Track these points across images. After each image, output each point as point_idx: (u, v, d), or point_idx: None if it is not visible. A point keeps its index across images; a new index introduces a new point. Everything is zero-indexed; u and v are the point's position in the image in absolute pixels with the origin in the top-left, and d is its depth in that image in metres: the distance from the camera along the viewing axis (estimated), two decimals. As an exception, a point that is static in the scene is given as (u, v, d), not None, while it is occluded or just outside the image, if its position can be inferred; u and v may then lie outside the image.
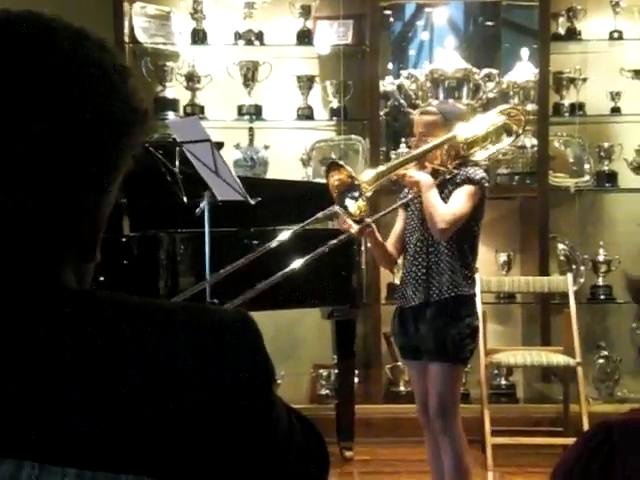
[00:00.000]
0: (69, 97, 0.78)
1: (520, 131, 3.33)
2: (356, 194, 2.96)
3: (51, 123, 0.77)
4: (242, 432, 0.78)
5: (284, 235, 3.19)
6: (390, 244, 3.30)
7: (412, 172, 3.15)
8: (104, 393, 0.75)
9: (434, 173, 3.17)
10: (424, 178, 3.13)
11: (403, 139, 5.01)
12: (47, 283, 0.79)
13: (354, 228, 3.08)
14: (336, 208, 3.05)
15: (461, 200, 3.11)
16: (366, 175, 3.05)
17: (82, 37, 0.81)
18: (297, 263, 3.04)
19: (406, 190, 3.31)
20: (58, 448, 0.73)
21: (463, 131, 3.19)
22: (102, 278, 3.15)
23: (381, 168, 3.16)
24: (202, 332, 0.80)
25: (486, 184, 3.18)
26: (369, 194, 2.98)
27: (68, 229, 0.81)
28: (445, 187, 3.16)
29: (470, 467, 3.23)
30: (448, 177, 3.17)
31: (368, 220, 3.09)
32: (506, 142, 3.38)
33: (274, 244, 3.14)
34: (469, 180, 3.13)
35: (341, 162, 3.14)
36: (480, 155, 3.27)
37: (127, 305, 0.81)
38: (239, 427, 0.78)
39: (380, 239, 3.23)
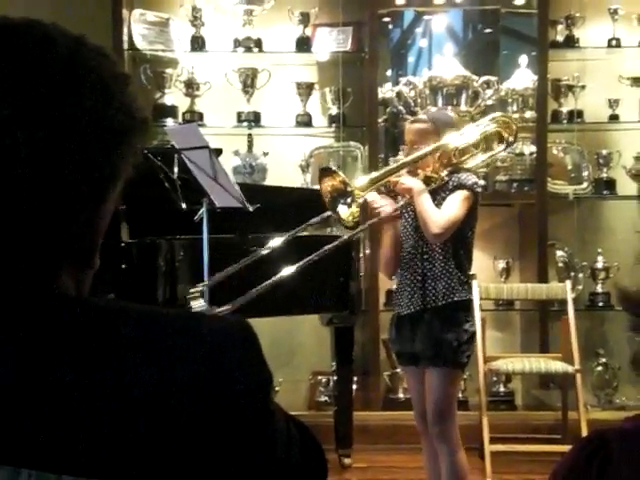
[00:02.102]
0: (68, 104, 0.78)
1: (511, 139, 3.34)
2: (349, 200, 2.97)
3: (49, 129, 0.77)
4: (241, 441, 0.78)
5: (275, 242, 3.16)
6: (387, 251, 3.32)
7: (404, 179, 3.16)
8: (100, 401, 0.75)
9: (426, 180, 3.18)
10: (416, 184, 3.14)
11: (402, 146, 5.01)
12: (44, 290, 0.79)
13: (386, 210, 3.08)
14: (329, 213, 3.06)
15: (454, 205, 3.12)
16: (359, 181, 3.07)
17: (81, 44, 0.82)
18: (288, 271, 3.02)
19: (400, 198, 3.32)
20: (55, 455, 0.73)
21: (454, 139, 3.20)
22: (100, 285, 3.14)
23: (373, 175, 3.18)
24: (200, 341, 0.80)
25: (478, 189, 3.19)
26: (361, 200, 2.99)
27: (67, 236, 0.81)
28: (437, 194, 3.17)
29: (467, 474, 3.23)
30: (440, 184, 3.18)
31: (401, 203, 3.10)
32: (498, 150, 3.38)
33: (266, 250, 3.13)
34: (462, 185, 3.15)
35: (334, 168, 3.15)
36: (472, 162, 3.27)
37: (125, 313, 0.80)
38: (237, 436, 0.78)
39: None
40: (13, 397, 0.74)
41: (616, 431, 0.99)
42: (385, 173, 3.20)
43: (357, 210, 2.97)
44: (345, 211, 2.99)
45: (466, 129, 3.30)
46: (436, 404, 3.14)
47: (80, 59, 0.80)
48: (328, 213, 3.05)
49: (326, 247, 3.10)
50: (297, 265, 3.01)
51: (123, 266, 3.60)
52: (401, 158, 4.87)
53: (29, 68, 0.78)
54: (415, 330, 3.20)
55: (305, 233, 3.32)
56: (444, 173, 3.18)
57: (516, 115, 5.00)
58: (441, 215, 3.10)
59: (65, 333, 0.77)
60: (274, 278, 2.96)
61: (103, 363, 0.76)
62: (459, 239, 3.17)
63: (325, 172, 3.07)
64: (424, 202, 3.11)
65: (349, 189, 2.97)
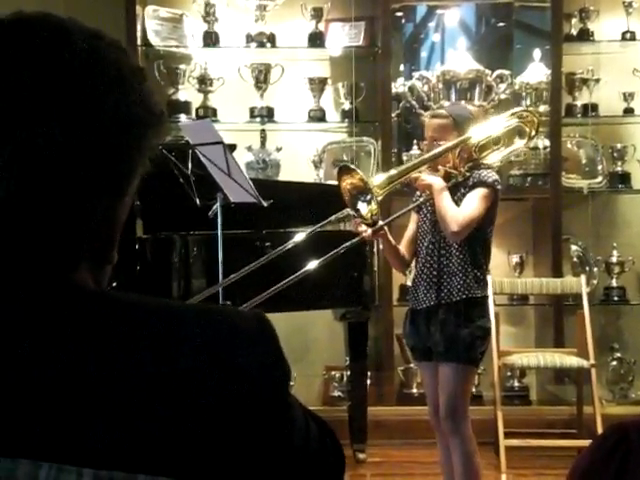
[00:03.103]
0: (86, 98, 0.78)
1: (533, 133, 3.32)
2: (368, 198, 2.96)
3: (68, 124, 0.77)
4: (258, 433, 0.78)
5: (297, 238, 3.19)
6: (403, 246, 3.31)
7: (424, 175, 3.15)
8: (119, 394, 0.75)
9: (446, 176, 3.17)
10: (436, 181, 3.13)
11: (415, 141, 5.01)
12: (62, 284, 0.80)
13: (368, 231, 3.08)
14: (348, 211, 3.05)
15: (474, 202, 3.11)
16: (377, 179, 3.05)
17: (98, 38, 0.82)
18: (311, 266, 3.04)
19: (418, 193, 3.32)
20: (74, 448, 0.74)
21: (476, 134, 3.19)
22: (115, 279, 3.16)
23: (392, 172, 3.16)
24: (218, 333, 0.80)
25: (499, 187, 3.18)
26: (380, 198, 2.98)
27: (85, 230, 0.81)
28: (457, 190, 3.16)
29: (480, 468, 3.22)
30: (460, 180, 3.17)
31: (381, 223, 3.10)
32: (518, 144, 3.37)
33: (288, 247, 3.14)
34: (482, 183, 3.13)
35: (353, 166, 3.14)
36: (492, 158, 3.26)
37: (142, 306, 0.81)
38: (255, 427, 0.78)
39: (393, 242, 3.24)
40: (31, 390, 0.74)
41: (637, 424, 0.98)
42: (405, 170, 3.18)
43: (376, 207, 2.96)
44: (364, 209, 2.98)
45: (487, 124, 3.29)
46: (449, 400, 3.14)
47: (98, 53, 0.80)
48: (348, 210, 3.04)
49: (346, 244, 3.10)
50: (318, 262, 3.01)
51: (138, 261, 3.61)
52: (415, 152, 4.88)
53: (47, 62, 0.78)
54: (430, 325, 3.20)
55: (320, 229, 3.32)
56: (464, 169, 3.17)
57: (531, 109, 4.99)
58: (460, 213, 3.09)
59: (83, 326, 0.77)
60: (295, 275, 2.97)
61: (122, 356, 0.76)
62: (477, 236, 3.16)
63: (344, 170, 3.05)
64: (443, 199, 3.10)
65: (368, 187, 2.96)
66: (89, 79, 0.79)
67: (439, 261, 3.19)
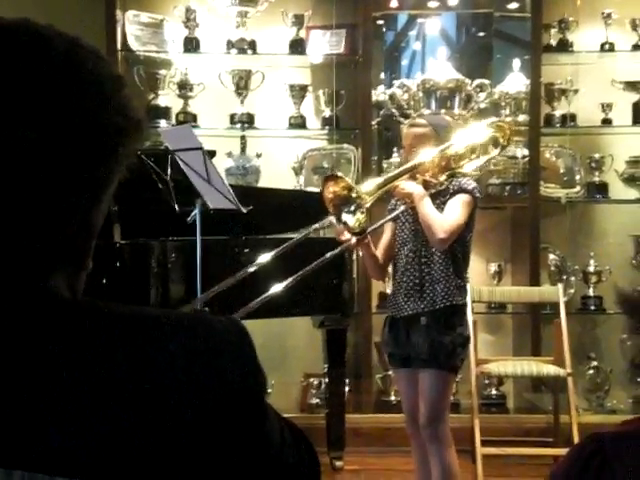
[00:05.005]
0: (64, 105, 0.78)
1: (506, 143, 3.35)
2: (354, 206, 2.94)
3: (45, 130, 0.77)
4: (234, 441, 0.78)
5: (267, 256, 3.13)
6: (379, 253, 3.31)
7: (403, 183, 3.15)
8: (93, 402, 0.74)
9: (425, 185, 3.17)
10: (416, 189, 3.14)
11: (395, 148, 5.03)
12: (36, 291, 0.79)
13: (352, 240, 3.07)
14: (331, 219, 3.03)
15: (457, 209, 3.13)
16: (366, 186, 3.03)
17: (77, 45, 0.81)
18: (287, 281, 3.01)
19: (394, 201, 3.32)
20: (47, 457, 0.73)
21: (455, 143, 3.20)
22: (92, 286, 3.14)
23: (380, 179, 3.14)
24: (194, 341, 0.79)
25: (478, 194, 3.20)
26: (368, 205, 2.96)
27: (60, 237, 0.80)
28: (436, 199, 3.17)
29: (458, 474, 3.23)
30: (439, 189, 3.18)
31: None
32: (493, 154, 3.38)
33: (262, 260, 3.11)
34: (462, 190, 3.16)
35: (340, 174, 3.12)
36: (468, 167, 3.27)
37: (118, 314, 0.80)
38: (231, 436, 0.78)
39: (374, 250, 3.24)
40: (3, 399, 0.73)
41: (613, 434, 0.99)
42: (391, 177, 3.18)
43: (364, 216, 2.93)
44: (352, 217, 2.96)
45: (465, 133, 3.30)
46: (429, 406, 3.15)
47: (76, 60, 0.80)
48: (331, 218, 3.02)
49: (332, 252, 3.09)
50: (291, 279, 2.98)
51: (115, 267, 3.59)
52: (395, 161, 4.90)
53: (24, 68, 0.77)
54: (410, 332, 3.20)
55: (297, 236, 3.31)
56: (442, 178, 3.18)
57: (509, 119, 5.02)
58: (445, 219, 3.10)
59: (57, 334, 0.76)
60: (269, 292, 2.96)
61: (96, 365, 0.76)
62: (459, 243, 3.18)
63: (330, 178, 3.01)
64: (426, 207, 3.11)
65: (354, 195, 2.94)
66: (66, 85, 0.78)
67: (420, 269, 3.19)
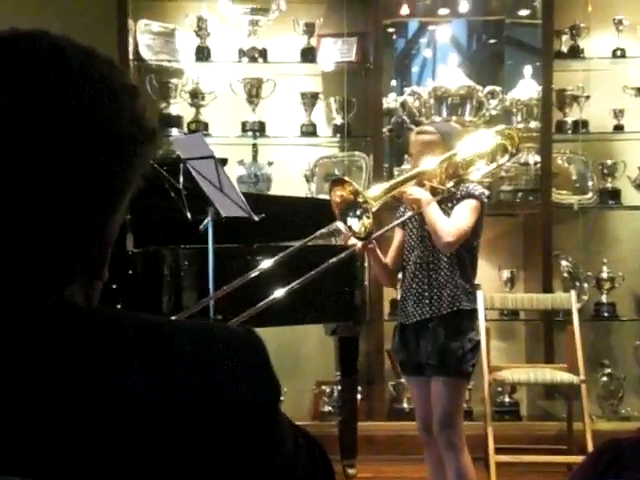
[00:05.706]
0: (79, 115, 0.78)
1: (515, 151, 3.34)
2: (361, 210, 2.94)
3: (60, 140, 0.77)
4: (248, 450, 0.78)
5: (267, 262, 3.11)
6: (389, 257, 3.31)
7: (411, 189, 3.15)
8: (108, 412, 0.74)
9: (432, 191, 3.17)
10: (423, 195, 3.14)
11: (406, 156, 5.02)
12: (52, 300, 0.79)
13: (358, 244, 3.08)
14: (338, 224, 3.03)
15: (465, 214, 3.13)
16: (373, 191, 3.04)
17: (92, 56, 0.82)
18: (289, 286, 2.99)
19: (402, 209, 3.32)
20: (64, 466, 0.73)
21: (463, 150, 3.20)
22: (105, 294, 3.14)
23: (386, 184, 3.15)
24: (208, 351, 0.80)
25: (485, 199, 3.20)
26: (374, 209, 2.95)
27: (76, 246, 0.81)
28: (444, 204, 3.17)
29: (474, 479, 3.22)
30: (447, 195, 3.18)
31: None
32: (502, 161, 3.38)
33: (270, 263, 3.10)
34: (470, 195, 3.16)
35: (347, 178, 3.13)
36: (475, 174, 3.27)
37: (134, 323, 0.80)
38: (245, 445, 0.78)
39: (381, 256, 3.24)
40: (19, 408, 0.74)
41: (630, 441, 0.99)
42: (398, 183, 3.18)
43: (370, 220, 2.91)
44: (357, 222, 2.95)
45: (473, 140, 3.30)
46: (442, 413, 3.14)
47: (91, 70, 0.80)
48: (337, 224, 3.01)
49: (336, 258, 3.08)
50: (295, 283, 2.95)
51: (128, 275, 3.60)
52: (407, 168, 4.89)
53: (39, 79, 0.78)
54: (419, 339, 3.20)
55: (309, 243, 3.31)
56: (450, 184, 3.18)
57: (521, 125, 5.02)
58: (452, 224, 3.10)
59: (73, 343, 0.77)
60: (273, 296, 2.94)
61: (111, 373, 0.76)
62: (465, 249, 3.18)
63: (337, 182, 3.01)
64: (433, 212, 3.11)
65: (361, 199, 2.93)
66: (81, 95, 0.79)
67: (428, 275, 3.20)
